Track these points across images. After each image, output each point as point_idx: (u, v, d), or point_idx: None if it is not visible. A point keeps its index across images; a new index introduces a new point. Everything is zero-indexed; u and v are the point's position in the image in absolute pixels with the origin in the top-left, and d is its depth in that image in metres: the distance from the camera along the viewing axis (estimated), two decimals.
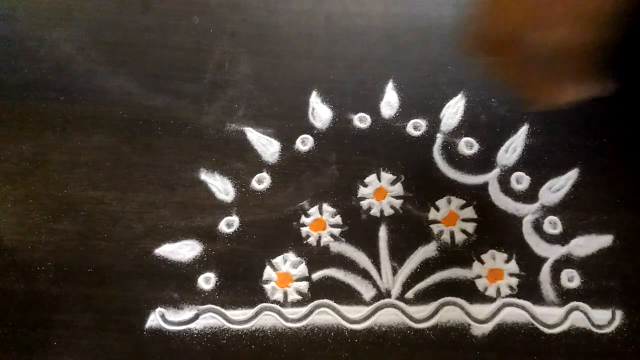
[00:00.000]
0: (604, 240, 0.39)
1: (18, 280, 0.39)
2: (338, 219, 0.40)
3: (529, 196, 0.40)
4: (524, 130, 0.41)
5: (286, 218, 0.40)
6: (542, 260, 0.39)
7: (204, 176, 0.41)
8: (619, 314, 0.37)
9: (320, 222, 0.40)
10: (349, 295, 0.38)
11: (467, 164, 0.41)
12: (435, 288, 0.38)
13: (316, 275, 0.39)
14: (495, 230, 0.39)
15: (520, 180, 0.40)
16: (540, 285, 0.38)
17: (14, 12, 0.45)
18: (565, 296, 0.38)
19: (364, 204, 0.40)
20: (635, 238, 0.39)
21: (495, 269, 0.38)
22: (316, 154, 0.41)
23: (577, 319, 0.37)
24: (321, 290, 0.39)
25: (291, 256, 0.39)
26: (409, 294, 0.38)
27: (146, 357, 0.37)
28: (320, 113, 0.42)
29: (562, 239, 0.39)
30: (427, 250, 0.39)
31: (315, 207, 0.40)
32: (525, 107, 0.40)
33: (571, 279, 0.38)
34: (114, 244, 0.39)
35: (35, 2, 0.46)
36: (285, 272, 0.39)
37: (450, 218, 0.40)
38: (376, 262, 0.39)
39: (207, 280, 0.39)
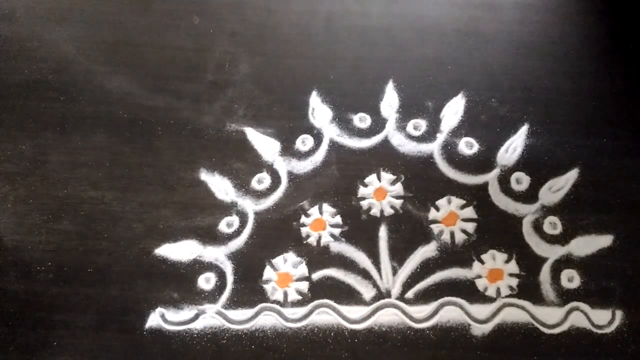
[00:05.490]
0: (604, 240, 0.39)
1: (18, 280, 0.39)
2: (338, 219, 0.40)
3: (529, 196, 0.40)
4: (524, 130, 0.41)
5: (286, 218, 0.40)
6: (542, 260, 0.39)
7: (204, 176, 0.41)
8: (619, 314, 0.37)
9: (320, 222, 0.40)
10: (349, 295, 0.38)
11: (467, 164, 0.41)
12: (435, 288, 0.38)
13: (316, 275, 0.39)
14: (495, 230, 0.39)
15: (520, 180, 0.40)
16: (540, 285, 0.38)
17: (14, 12, 0.45)
18: (565, 296, 0.38)
19: (364, 204, 0.40)
20: (635, 238, 0.39)
21: (495, 269, 0.38)
22: (316, 154, 0.41)
23: (577, 319, 0.37)
24: (321, 290, 0.39)
25: (291, 256, 0.39)
26: (409, 294, 0.38)
27: (146, 357, 0.37)
28: (320, 113, 0.42)
29: (562, 239, 0.39)
30: (427, 250, 0.39)
31: (315, 207, 0.40)
32: None
33: (571, 279, 0.38)
34: (114, 244, 0.40)
35: (35, 2, 0.46)
36: (285, 272, 0.39)
37: (450, 218, 0.40)
38: (376, 262, 0.39)
39: (207, 280, 0.39)
